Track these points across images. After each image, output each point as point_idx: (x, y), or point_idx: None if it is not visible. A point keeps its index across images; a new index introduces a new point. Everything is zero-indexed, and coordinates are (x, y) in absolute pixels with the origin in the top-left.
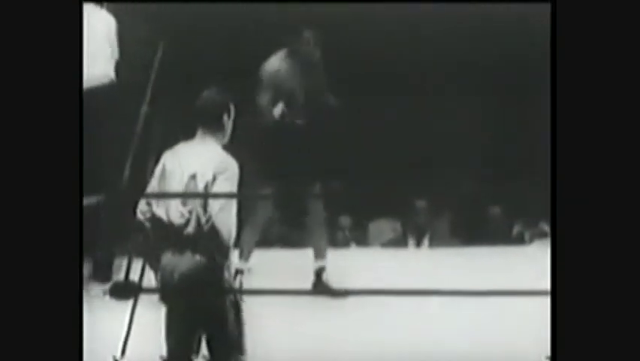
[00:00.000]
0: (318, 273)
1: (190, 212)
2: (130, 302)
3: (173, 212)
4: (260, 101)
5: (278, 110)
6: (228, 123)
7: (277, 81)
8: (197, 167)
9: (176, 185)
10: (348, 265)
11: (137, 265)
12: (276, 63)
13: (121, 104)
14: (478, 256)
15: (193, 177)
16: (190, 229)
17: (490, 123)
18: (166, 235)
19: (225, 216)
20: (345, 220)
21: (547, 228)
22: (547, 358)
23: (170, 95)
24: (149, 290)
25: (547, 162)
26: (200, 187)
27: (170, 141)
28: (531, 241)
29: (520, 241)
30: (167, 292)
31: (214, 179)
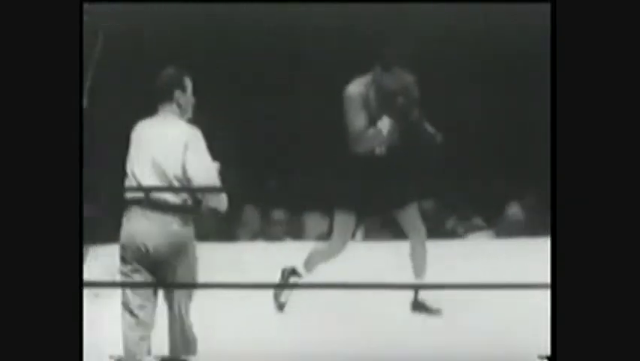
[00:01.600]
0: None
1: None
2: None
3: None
4: (355, 125)
5: (385, 124)
6: (184, 99)
7: (367, 105)
8: (165, 143)
9: (148, 158)
10: (284, 258)
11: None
12: (361, 87)
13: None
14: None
15: (162, 153)
16: (166, 199)
17: (485, 120)
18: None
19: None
20: (279, 214)
21: (481, 222)
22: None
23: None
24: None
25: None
26: (171, 162)
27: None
28: (465, 234)
29: (453, 234)
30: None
31: (185, 151)
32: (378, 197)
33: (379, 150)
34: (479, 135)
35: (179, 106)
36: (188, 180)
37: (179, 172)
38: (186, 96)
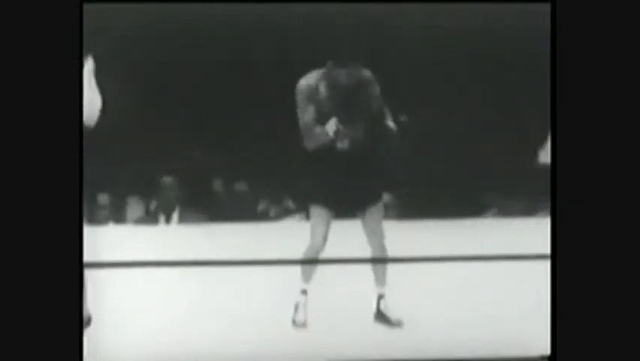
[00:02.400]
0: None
1: None
2: None
3: None
4: (303, 120)
5: (332, 125)
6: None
7: (317, 99)
8: None
9: None
10: (107, 241)
11: None
12: (311, 80)
13: None
14: (225, 232)
15: None
16: None
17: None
18: None
19: None
20: (103, 198)
21: (292, 204)
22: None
23: None
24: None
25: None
26: None
27: None
28: (278, 217)
29: (265, 217)
30: None
31: None
32: (346, 195)
33: (341, 145)
34: (479, 132)
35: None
36: None
37: None
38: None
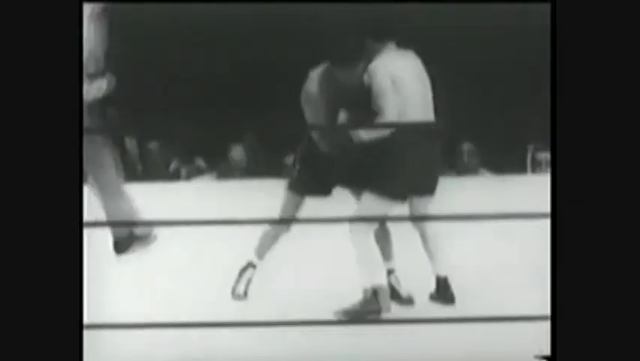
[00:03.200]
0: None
1: None
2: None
3: None
4: (314, 124)
5: (347, 125)
6: None
7: (323, 101)
8: None
9: None
10: None
11: None
12: (314, 83)
13: None
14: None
15: None
16: None
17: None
18: None
19: None
20: None
21: (203, 163)
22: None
23: None
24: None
25: None
26: None
27: None
28: (189, 177)
29: (176, 176)
30: None
31: None
32: (328, 178)
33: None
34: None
35: None
36: None
37: None
38: None
